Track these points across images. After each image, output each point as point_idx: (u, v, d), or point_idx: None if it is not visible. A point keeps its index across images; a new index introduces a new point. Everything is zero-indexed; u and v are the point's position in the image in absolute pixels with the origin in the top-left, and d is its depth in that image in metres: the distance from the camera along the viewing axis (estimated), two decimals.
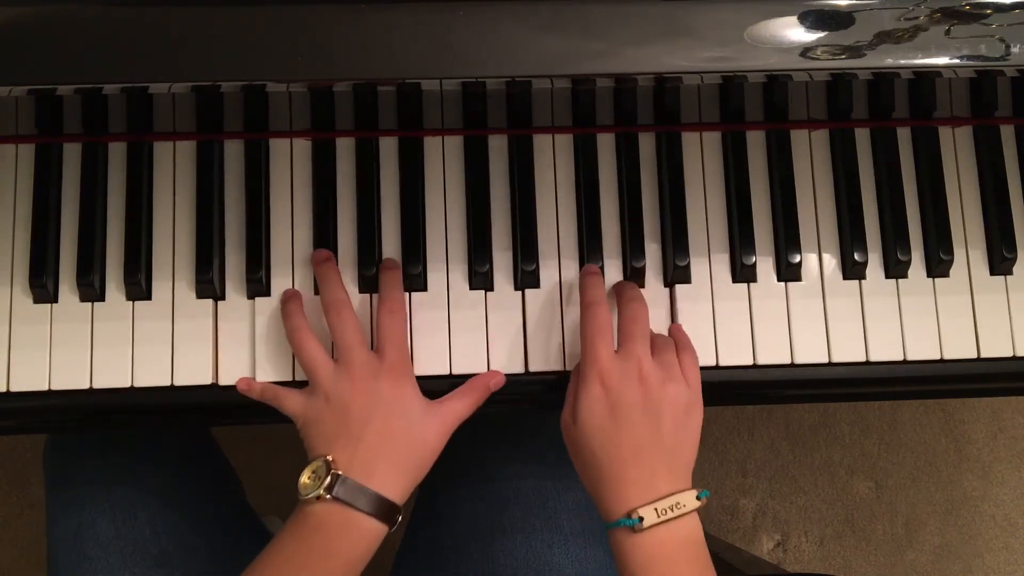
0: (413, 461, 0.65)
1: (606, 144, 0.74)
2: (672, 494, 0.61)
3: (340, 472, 0.62)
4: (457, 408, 0.67)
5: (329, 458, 0.63)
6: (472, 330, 0.71)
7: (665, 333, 0.71)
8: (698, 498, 0.62)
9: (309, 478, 0.63)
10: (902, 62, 0.59)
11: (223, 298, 0.71)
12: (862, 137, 0.75)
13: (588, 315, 0.66)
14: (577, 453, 0.65)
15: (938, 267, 0.73)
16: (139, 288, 0.70)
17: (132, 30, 0.57)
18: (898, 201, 0.74)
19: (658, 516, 0.60)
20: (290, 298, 0.70)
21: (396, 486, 0.64)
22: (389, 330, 0.67)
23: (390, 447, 0.64)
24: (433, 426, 0.66)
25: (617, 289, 0.70)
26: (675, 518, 0.61)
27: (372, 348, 0.68)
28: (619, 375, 0.63)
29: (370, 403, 0.64)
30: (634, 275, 0.72)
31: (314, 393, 0.66)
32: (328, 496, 0.62)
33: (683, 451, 0.64)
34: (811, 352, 0.72)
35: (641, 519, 0.60)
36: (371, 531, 0.63)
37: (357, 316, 0.68)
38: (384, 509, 0.63)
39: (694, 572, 0.61)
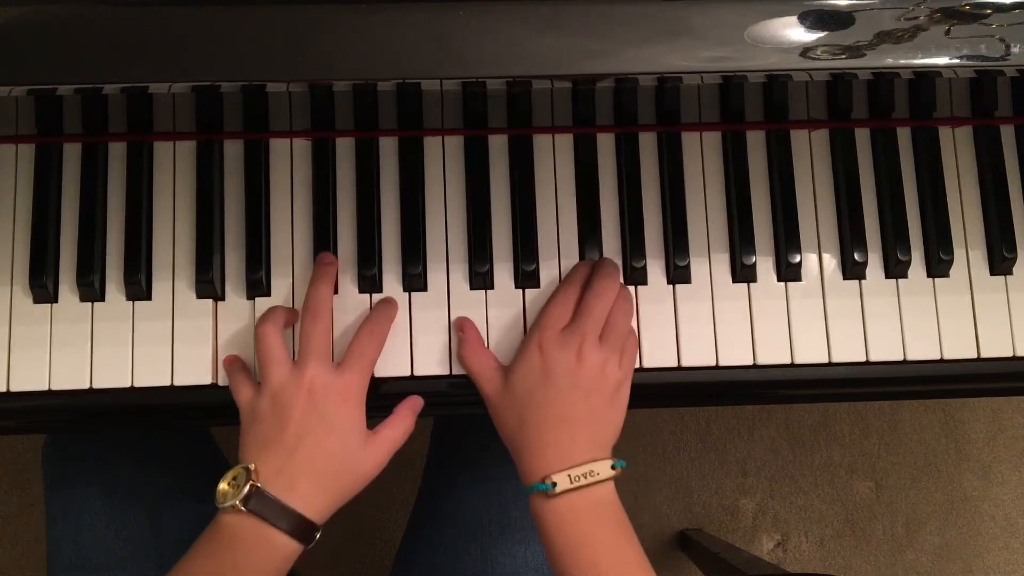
0: (341, 485, 0.64)
1: (606, 144, 0.74)
2: (587, 462, 0.63)
3: (260, 484, 0.61)
4: (392, 437, 0.67)
5: (251, 467, 0.62)
6: None
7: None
8: (613, 467, 0.63)
9: (228, 485, 0.62)
10: (902, 62, 0.59)
11: (223, 298, 0.71)
12: (862, 137, 0.75)
13: (559, 290, 0.69)
14: (501, 415, 0.66)
15: (938, 267, 0.73)
16: (139, 288, 0.70)
17: (132, 30, 0.57)
18: (898, 201, 0.74)
19: (571, 482, 0.62)
20: (285, 307, 0.69)
21: (318, 505, 0.63)
22: (360, 351, 0.66)
23: (320, 466, 0.63)
24: (369, 457, 0.65)
25: (597, 265, 0.70)
26: (588, 485, 0.62)
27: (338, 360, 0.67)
28: (559, 346, 0.65)
29: (313, 417, 0.63)
30: (635, 275, 0.72)
31: (262, 391, 0.65)
32: (243, 508, 0.60)
33: (606, 426, 0.66)
34: (811, 352, 0.72)
35: (555, 484, 0.62)
36: (285, 548, 0.61)
37: (331, 326, 0.67)
38: (301, 527, 0.62)
39: (606, 532, 0.63)
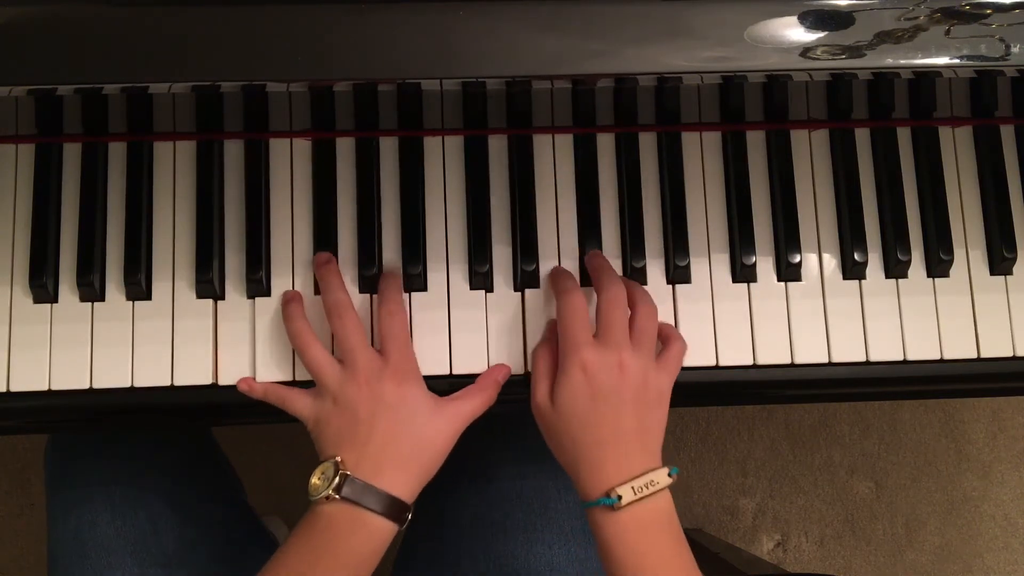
0: (420, 461, 0.66)
1: (606, 144, 0.74)
2: (646, 472, 0.63)
3: (348, 472, 0.63)
4: (466, 408, 0.68)
5: (338, 459, 0.64)
6: (472, 330, 0.71)
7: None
8: (669, 475, 0.64)
9: (319, 479, 0.64)
10: (902, 62, 0.59)
11: (223, 298, 0.71)
12: (862, 137, 0.75)
13: (563, 302, 0.67)
14: (554, 436, 0.66)
15: (938, 267, 0.73)
16: (139, 288, 0.70)
17: (132, 30, 0.57)
18: (898, 201, 0.74)
19: (635, 494, 0.62)
20: (291, 300, 0.70)
21: (404, 485, 0.65)
22: (389, 331, 0.67)
23: (396, 447, 0.65)
24: (440, 425, 0.66)
25: (597, 273, 0.70)
26: (650, 495, 0.63)
27: (375, 348, 0.68)
28: (600, 363, 0.64)
29: (375, 405, 0.65)
30: (635, 275, 0.72)
31: (321, 395, 0.66)
32: (337, 496, 0.63)
33: (655, 432, 0.66)
34: (811, 352, 0.72)
35: (620, 497, 0.62)
36: (380, 529, 0.64)
37: (359, 317, 0.68)
38: (393, 507, 0.64)
39: (666, 540, 0.63)
